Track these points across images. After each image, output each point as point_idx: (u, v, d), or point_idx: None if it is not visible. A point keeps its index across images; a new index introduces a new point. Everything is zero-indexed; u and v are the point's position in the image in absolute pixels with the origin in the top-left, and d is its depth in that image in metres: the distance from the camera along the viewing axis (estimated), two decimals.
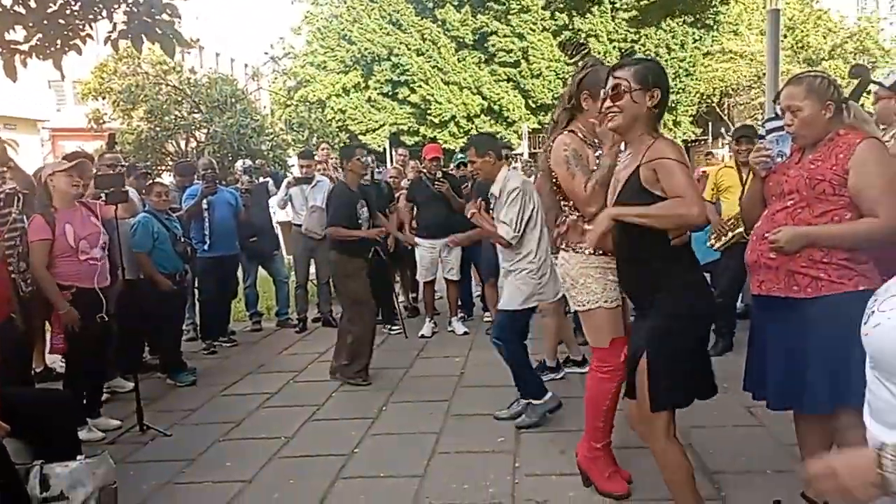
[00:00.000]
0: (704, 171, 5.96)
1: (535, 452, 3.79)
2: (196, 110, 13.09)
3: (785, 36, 23.47)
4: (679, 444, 2.66)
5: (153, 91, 13.07)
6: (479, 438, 4.02)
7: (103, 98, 14.07)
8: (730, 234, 5.19)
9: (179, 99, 13.04)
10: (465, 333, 6.58)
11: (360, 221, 5.34)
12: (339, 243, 5.29)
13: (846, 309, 2.24)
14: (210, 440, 4.26)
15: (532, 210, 4.05)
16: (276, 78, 22.31)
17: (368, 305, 5.36)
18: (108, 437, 4.35)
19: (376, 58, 25.53)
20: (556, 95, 25.91)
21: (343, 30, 26.17)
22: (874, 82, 2.58)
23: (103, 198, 4.42)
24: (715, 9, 14.37)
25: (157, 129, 12.74)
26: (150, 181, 5.96)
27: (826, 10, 25.61)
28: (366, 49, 25.34)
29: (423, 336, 6.54)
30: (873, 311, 1.36)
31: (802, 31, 25.32)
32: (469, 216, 4.33)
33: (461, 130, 25.10)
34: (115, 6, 4.61)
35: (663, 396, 2.57)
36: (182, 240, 5.59)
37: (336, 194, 5.44)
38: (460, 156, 7.18)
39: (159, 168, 12.99)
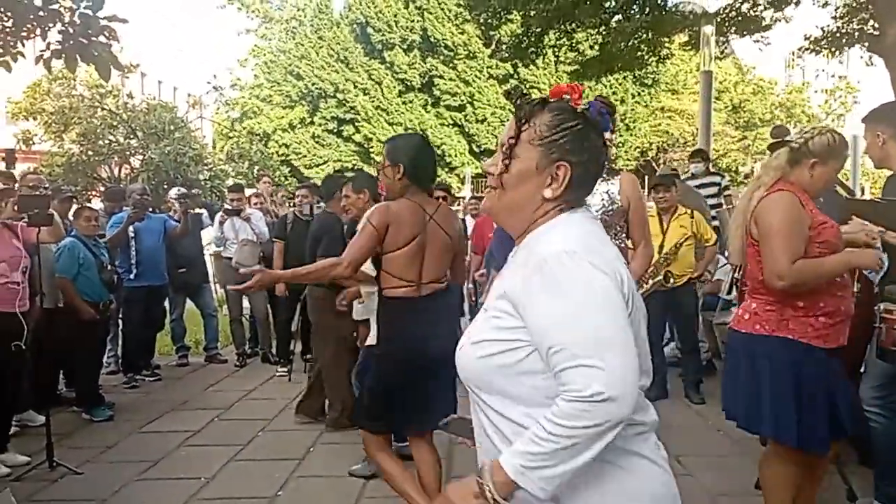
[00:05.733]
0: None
1: None
2: (132, 136, 12.76)
3: (717, 98, 24.57)
4: (392, 458, 3.15)
5: (87, 114, 12.71)
6: None
7: (34, 118, 13.62)
8: (650, 282, 5.29)
9: (115, 123, 12.71)
10: None
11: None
12: None
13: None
14: (123, 479, 4.04)
15: None
16: (218, 108, 22.03)
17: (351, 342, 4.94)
18: (13, 473, 4.09)
19: (322, 94, 25.55)
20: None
21: (290, 65, 26.15)
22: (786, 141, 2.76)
23: (26, 219, 4.22)
24: (652, 68, 14.97)
25: (90, 152, 12.35)
26: (78, 205, 5.75)
27: (761, 79, 26.95)
28: (313, 84, 25.34)
29: None
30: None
31: (737, 94, 26.54)
32: None
33: None
34: (50, 24, 4.47)
35: (357, 413, 3.25)
36: (109, 268, 5.38)
37: (327, 227, 4.96)
38: None
39: (90, 193, 12.57)
